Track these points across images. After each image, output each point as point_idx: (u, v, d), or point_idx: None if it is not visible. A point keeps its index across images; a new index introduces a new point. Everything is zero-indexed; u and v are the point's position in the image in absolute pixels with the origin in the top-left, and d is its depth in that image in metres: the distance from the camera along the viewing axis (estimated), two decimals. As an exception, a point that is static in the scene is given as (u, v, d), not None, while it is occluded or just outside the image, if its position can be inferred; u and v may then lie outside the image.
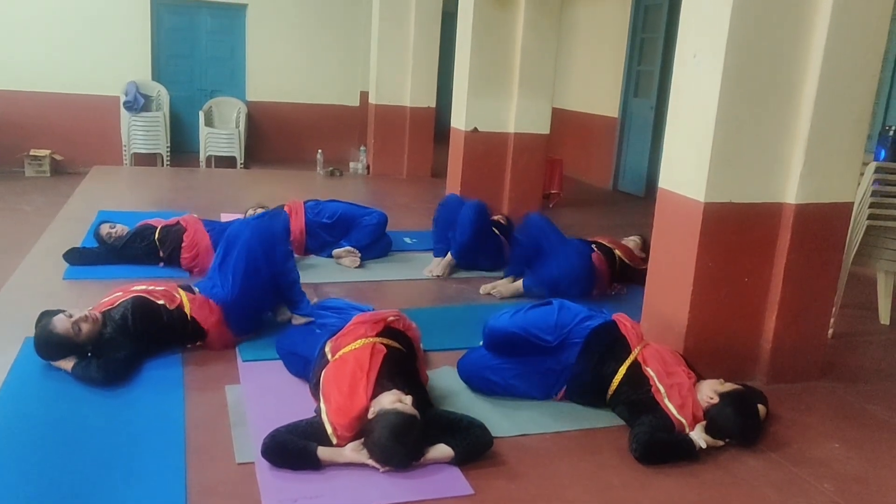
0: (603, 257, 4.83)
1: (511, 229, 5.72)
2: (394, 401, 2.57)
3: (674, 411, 2.88)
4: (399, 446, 2.51)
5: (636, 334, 3.20)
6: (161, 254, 4.70)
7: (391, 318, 3.09)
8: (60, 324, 3.21)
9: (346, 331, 3.01)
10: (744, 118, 3.24)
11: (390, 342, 2.93)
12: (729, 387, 2.92)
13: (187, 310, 3.48)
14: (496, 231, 5.30)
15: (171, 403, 3.01)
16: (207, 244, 4.57)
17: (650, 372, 3.00)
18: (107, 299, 3.50)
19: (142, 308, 3.40)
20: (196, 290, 3.66)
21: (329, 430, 2.62)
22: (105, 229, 4.85)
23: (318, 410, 2.74)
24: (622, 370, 3.06)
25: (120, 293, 3.51)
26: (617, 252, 4.97)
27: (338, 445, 2.60)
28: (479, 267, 5.14)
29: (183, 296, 3.53)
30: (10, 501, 2.33)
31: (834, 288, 3.67)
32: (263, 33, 10.56)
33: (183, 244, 4.64)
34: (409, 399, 2.59)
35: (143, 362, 3.34)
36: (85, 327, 3.22)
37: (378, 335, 2.95)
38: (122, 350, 3.24)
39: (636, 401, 2.98)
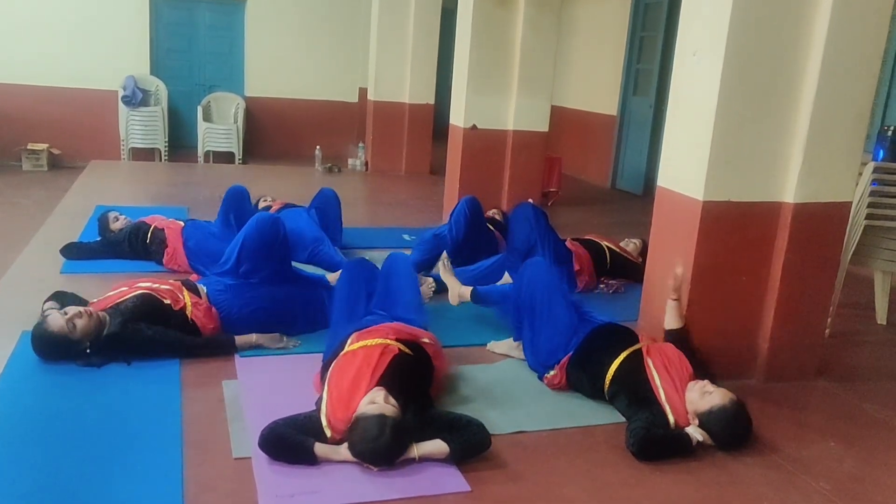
0: (581, 245, 4.82)
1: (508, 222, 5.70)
2: (366, 403, 2.57)
3: (667, 408, 2.89)
4: (374, 445, 2.49)
5: (648, 337, 3.28)
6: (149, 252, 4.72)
7: (425, 340, 3.07)
8: (55, 321, 3.20)
9: (374, 329, 3.03)
10: (743, 117, 3.24)
11: (405, 348, 2.92)
12: (707, 403, 2.83)
13: (188, 312, 3.48)
14: (490, 227, 5.28)
15: (168, 398, 3.01)
16: (180, 247, 4.61)
17: (650, 364, 3.03)
18: (113, 293, 3.51)
19: (149, 305, 3.41)
20: (202, 289, 3.66)
21: (324, 421, 2.63)
22: (111, 216, 4.93)
23: (318, 401, 2.75)
24: (624, 354, 3.10)
25: (125, 288, 3.52)
26: (605, 244, 4.95)
27: (332, 438, 2.61)
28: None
29: (186, 297, 3.53)
30: (6, 496, 2.32)
31: (831, 287, 3.67)
32: (262, 29, 10.54)
33: (166, 248, 4.66)
34: (381, 396, 2.57)
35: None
36: (80, 323, 3.20)
37: (398, 340, 2.93)
38: (143, 332, 3.28)
39: (634, 392, 2.99)
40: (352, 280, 3.51)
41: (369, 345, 2.88)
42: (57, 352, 3.21)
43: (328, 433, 2.62)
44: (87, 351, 3.22)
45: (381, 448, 2.49)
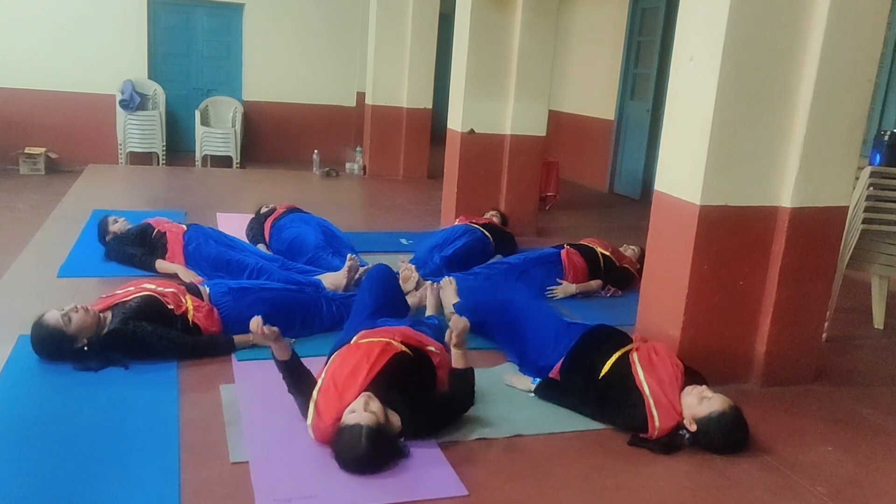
0: (578, 254, 4.82)
1: (506, 225, 5.69)
2: (347, 412, 2.60)
3: (651, 402, 2.90)
4: (352, 455, 2.52)
5: (640, 338, 3.28)
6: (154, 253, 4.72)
7: (431, 348, 3.09)
8: (51, 316, 3.23)
9: (384, 329, 3.08)
10: (740, 121, 3.25)
11: (406, 350, 2.93)
12: (705, 409, 2.84)
13: (190, 316, 3.51)
14: (486, 233, 5.27)
15: (165, 402, 3.00)
16: (179, 251, 4.63)
17: (635, 359, 3.05)
18: (120, 291, 3.55)
19: (152, 307, 3.43)
20: (205, 291, 3.70)
21: (312, 405, 2.70)
22: (110, 220, 4.96)
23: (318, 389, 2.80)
24: (616, 355, 3.11)
25: (132, 288, 3.57)
26: (599, 249, 4.95)
27: (313, 424, 2.68)
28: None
29: (189, 302, 3.56)
30: (2, 499, 2.32)
31: (828, 292, 3.67)
32: (260, 33, 10.55)
33: (166, 251, 4.67)
34: (360, 404, 2.59)
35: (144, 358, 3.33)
36: (75, 317, 3.22)
37: (403, 343, 2.95)
38: (144, 329, 3.30)
39: (619, 393, 3.00)
40: (382, 281, 3.70)
41: (372, 340, 2.92)
42: (53, 348, 3.22)
43: (311, 416, 2.68)
44: (85, 349, 3.23)
45: (359, 456, 2.52)
